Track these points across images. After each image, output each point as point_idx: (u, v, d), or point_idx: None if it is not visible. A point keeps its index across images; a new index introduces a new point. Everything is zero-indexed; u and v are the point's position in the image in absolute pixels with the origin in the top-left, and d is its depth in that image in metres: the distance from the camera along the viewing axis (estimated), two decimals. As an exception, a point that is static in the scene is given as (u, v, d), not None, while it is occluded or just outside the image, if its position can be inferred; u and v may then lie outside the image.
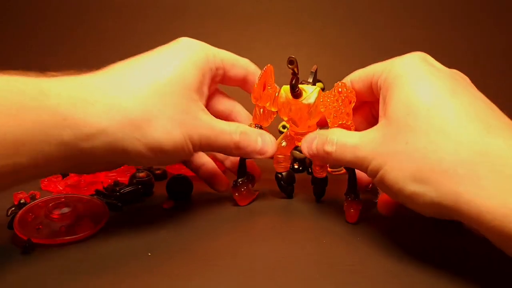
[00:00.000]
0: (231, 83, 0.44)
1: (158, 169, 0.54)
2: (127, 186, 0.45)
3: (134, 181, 0.47)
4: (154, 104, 0.35)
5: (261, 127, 0.44)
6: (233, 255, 0.35)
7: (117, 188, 0.44)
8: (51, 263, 0.33)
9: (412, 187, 0.31)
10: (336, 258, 0.34)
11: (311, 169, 0.47)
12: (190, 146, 0.37)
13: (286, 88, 0.41)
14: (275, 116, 0.43)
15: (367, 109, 0.43)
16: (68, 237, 0.36)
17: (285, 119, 0.42)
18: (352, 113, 0.39)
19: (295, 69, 0.38)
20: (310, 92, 0.40)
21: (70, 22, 0.83)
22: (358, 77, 0.39)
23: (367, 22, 0.81)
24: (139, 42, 0.82)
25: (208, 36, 0.82)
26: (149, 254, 0.35)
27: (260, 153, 0.42)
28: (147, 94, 0.35)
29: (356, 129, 0.40)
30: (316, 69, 0.42)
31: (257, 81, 0.42)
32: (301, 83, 0.41)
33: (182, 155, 0.38)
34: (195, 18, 0.82)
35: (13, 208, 0.41)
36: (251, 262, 0.34)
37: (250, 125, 0.44)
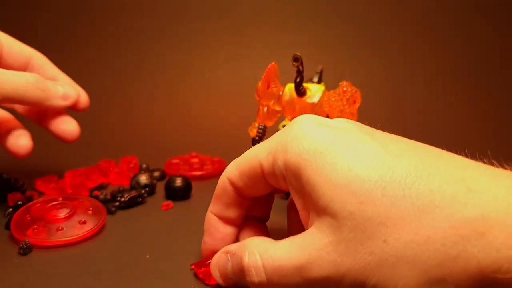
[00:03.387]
0: (13, 66, 0.43)
1: (157, 170, 0.53)
2: (131, 190, 0.44)
3: (135, 184, 0.47)
4: None
5: (264, 128, 0.43)
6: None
7: (125, 195, 0.43)
8: (48, 265, 0.33)
9: None
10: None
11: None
12: None
13: (290, 86, 0.40)
14: (279, 115, 0.43)
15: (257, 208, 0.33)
16: (65, 239, 0.36)
17: (289, 118, 0.41)
18: (356, 114, 0.39)
19: (300, 67, 0.38)
20: (314, 91, 0.40)
21: (69, 23, 0.83)
22: (239, 170, 0.29)
23: (367, 22, 0.81)
24: (139, 43, 0.81)
25: (209, 36, 0.82)
26: (148, 256, 0.34)
27: (63, 98, 0.42)
28: None
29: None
30: (322, 69, 0.42)
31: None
32: (306, 82, 0.41)
33: None
34: (196, 18, 0.81)
35: (11, 209, 0.40)
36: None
37: (253, 125, 0.43)
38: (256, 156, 0.28)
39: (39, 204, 0.39)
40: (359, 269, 0.23)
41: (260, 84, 0.41)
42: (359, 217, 0.23)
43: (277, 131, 0.49)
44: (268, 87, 0.41)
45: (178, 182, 0.46)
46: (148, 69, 0.80)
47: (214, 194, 0.31)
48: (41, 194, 0.45)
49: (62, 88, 0.42)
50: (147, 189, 0.46)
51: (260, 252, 0.26)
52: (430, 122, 0.73)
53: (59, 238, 0.36)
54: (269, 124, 0.43)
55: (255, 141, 0.44)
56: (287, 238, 0.26)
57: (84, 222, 0.38)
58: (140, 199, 0.44)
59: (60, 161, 0.56)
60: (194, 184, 0.47)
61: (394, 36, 0.81)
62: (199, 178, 0.52)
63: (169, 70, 0.80)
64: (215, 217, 0.31)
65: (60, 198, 0.40)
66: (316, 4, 0.81)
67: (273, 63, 0.41)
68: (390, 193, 0.23)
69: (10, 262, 0.33)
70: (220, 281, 0.29)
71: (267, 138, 0.43)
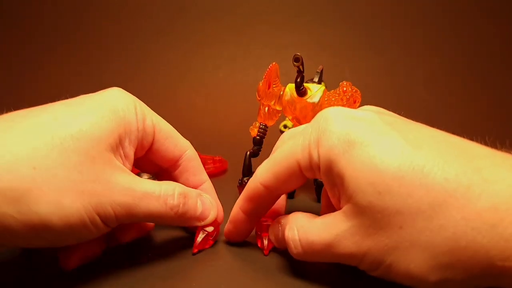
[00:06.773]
0: (162, 160, 0.36)
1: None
2: None
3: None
4: (41, 166, 0.26)
5: (265, 127, 0.43)
6: (233, 256, 0.35)
7: None
8: (48, 264, 0.33)
9: (436, 276, 0.24)
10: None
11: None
12: (98, 220, 0.28)
13: (291, 86, 0.40)
14: (280, 115, 0.43)
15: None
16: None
17: (290, 117, 0.42)
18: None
19: (301, 67, 0.38)
20: (315, 91, 0.40)
21: (69, 22, 0.83)
22: (274, 173, 0.31)
23: (367, 22, 0.81)
24: (138, 43, 0.82)
25: (209, 36, 0.82)
26: (149, 255, 0.34)
27: (200, 219, 0.34)
28: (32, 154, 0.26)
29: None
30: (322, 69, 0.42)
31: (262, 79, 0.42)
32: (306, 82, 0.41)
33: (87, 233, 0.28)
34: (196, 18, 0.81)
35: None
36: (251, 264, 0.33)
37: (254, 124, 0.43)
38: (292, 155, 0.30)
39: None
40: (377, 250, 0.26)
41: (261, 84, 0.42)
42: (377, 206, 0.25)
43: (277, 130, 0.50)
44: (269, 87, 0.41)
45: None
46: (148, 69, 0.80)
47: (245, 196, 0.33)
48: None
49: (200, 204, 0.34)
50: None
51: (298, 228, 0.30)
52: (431, 122, 0.72)
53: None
54: (270, 123, 0.44)
55: (256, 141, 0.44)
56: (321, 217, 0.29)
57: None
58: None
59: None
60: (195, 184, 0.47)
61: (395, 36, 0.81)
62: (200, 177, 0.52)
63: (169, 70, 0.80)
64: (243, 215, 0.33)
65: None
66: (316, 4, 0.81)
67: (273, 63, 0.41)
68: (407, 183, 0.24)
69: (11, 262, 0.33)
70: (276, 244, 0.33)
71: (267, 138, 0.43)
